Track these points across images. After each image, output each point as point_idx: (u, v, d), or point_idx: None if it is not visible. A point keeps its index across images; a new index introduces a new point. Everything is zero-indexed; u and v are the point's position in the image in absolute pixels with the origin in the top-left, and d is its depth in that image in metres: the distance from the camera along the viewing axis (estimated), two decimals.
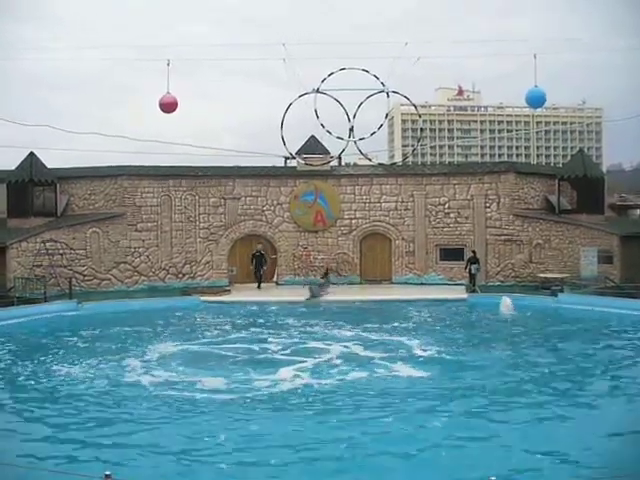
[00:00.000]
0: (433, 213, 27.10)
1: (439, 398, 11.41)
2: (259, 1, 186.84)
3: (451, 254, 26.87)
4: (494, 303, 21.10)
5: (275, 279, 27.24)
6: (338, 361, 14.12)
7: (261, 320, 19.76)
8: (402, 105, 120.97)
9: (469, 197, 26.92)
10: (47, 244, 24.62)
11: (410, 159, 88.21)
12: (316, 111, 20.00)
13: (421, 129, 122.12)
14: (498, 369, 13.49)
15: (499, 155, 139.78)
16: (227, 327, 18.67)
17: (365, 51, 24.90)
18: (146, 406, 11.08)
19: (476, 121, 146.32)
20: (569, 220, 26.40)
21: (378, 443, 9.22)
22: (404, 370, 13.24)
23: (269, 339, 16.65)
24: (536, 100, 21.12)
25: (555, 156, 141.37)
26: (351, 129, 20.55)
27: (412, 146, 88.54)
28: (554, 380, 12.49)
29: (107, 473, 6.02)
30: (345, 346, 15.60)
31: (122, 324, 18.63)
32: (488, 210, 26.73)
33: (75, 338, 17.07)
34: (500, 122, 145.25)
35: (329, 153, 27.41)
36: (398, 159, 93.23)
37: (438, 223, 27.07)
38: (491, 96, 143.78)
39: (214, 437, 9.55)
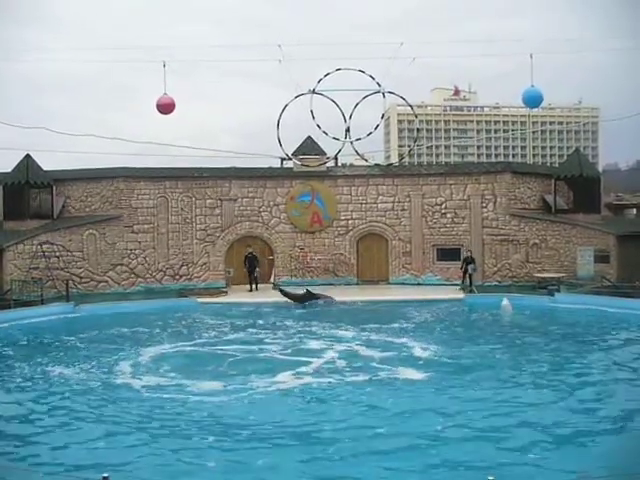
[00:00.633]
0: (430, 213, 27.12)
1: (439, 399, 11.39)
2: (259, 1, 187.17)
3: (448, 254, 26.84)
4: (491, 303, 21.11)
5: (273, 280, 27.21)
6: (339, 362, 14.10)
7: (260, 321, 19.71)
8: (398, 105, 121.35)
9: (466, 197, 26.95)
10: (44, 246, 24.58)
11: (406, 159, 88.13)
12: (312, 112, 20.01)
13: (417, 129, 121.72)
14: (498, 369, 13.47)
15: (495, 155, 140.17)
16: (224, 329, 18.61)
17: (361, 51, 25.00)
18: (143, 408, 11.05)
19: (472, 121, 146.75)
20: (565, 220, 26.45)
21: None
22: (404, 372, 13.20)
23: (265, 340, 16.65)
24: (533, 100, 21.16)
25: (551, 156, 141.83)
26: (347, 130, 20.57)
27: (408, 146, 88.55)
28: (554, 379, 12.54)
29: (105, 475, 6.01)
30: (349, 347, 15.61)
31: (119, 326, 18.60)
32: (485, 210, 26.77)
33: (72, 339, 17.01)
34: (496, 122, 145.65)
35: (325, 154, 27.44)
36: (394, 159, 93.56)
37: (435, 223, 27.08)
38: (488, 96, 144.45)
39: (205, 439, 9.56)
